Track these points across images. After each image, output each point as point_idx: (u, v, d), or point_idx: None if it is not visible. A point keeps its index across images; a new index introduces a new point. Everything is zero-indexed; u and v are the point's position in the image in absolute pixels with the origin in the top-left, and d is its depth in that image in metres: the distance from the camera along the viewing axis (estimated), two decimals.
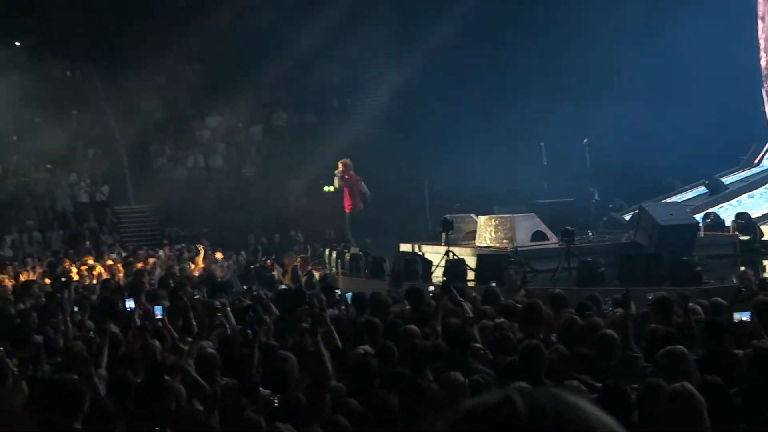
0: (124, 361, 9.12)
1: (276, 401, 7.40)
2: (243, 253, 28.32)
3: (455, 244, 20.50)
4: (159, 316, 11.31)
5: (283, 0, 32.85)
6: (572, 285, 16.84)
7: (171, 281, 18.98)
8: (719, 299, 11.40)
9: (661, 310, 10.50)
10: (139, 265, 24.76)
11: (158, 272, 23.34)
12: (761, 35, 29.58)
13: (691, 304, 10.94)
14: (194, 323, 11.74)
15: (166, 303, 13.28)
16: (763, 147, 29.04)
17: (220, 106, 36.38)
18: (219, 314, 11.92)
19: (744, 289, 11.81)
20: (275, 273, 23.08)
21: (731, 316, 9.47)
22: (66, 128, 34.78)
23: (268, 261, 25.11)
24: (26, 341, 10.94)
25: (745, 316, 9.26)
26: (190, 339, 10.57)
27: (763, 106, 29.47)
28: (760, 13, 29.56)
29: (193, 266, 24.57)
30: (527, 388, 1.93)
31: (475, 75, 30.89)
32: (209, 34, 34.16)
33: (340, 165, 22.78)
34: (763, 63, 29.48)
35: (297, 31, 33.15)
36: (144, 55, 33.45)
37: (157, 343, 9.71)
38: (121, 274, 22.93)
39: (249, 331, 10.21)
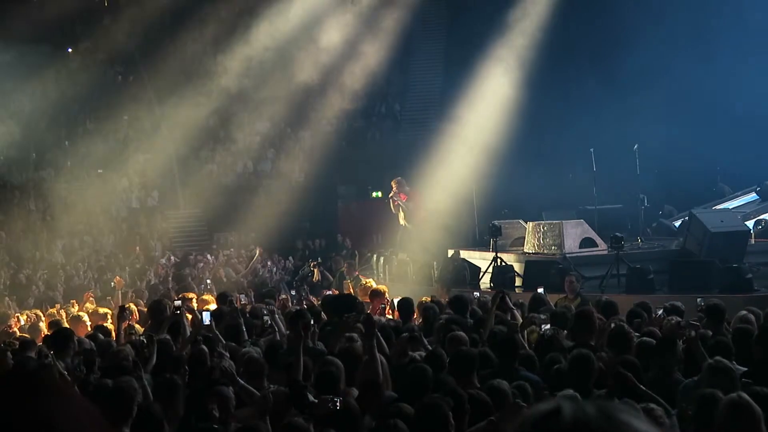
0: (173, 366, 9.18)
1: (338, 404, 7.38)
2: (291, 258, 28.42)
3: (503, 251, 20.45)
4: (207, 322, 11.38)
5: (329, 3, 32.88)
6: (621, 292, 16.75)
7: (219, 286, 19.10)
8: None
9: (711, 317, 10.43)
10: (188, 270, 24.95)
11: (207, 277, 23.49)
12: None
13: (743, 312, 10.82)
14: (243, 329, 11.81)
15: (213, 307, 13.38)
16: None
17: (269, 112, 36.49)
18: (267, 319, 11.99)
19: None
20: (316, 276, 23.14)
21: None
22: (117, 133, 35.09)
23: (312, 263, 25.15)
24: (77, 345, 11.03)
25: None
26: (234, 344, 10.64)
27: None
28: None
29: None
30: (578, 400, 1.94)
31: (523, 80, 30.74)
32: (259, 40, 34.27)
33: (393, 185, 23.70)
34: None
35: (349, 37, 33.19)
36: (194, 60, 33.66)
37: (205, 348, 9.76)
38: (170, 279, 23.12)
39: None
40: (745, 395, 6.17)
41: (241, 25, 33.79)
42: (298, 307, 13.03)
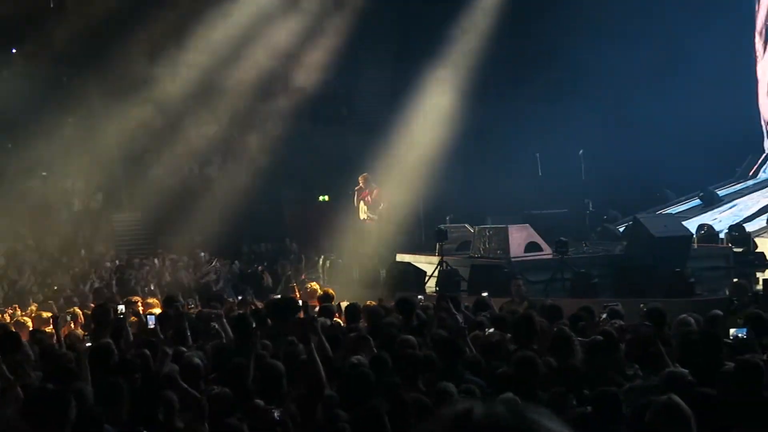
0: (116, 370, 9.10)
1: (277, 415, 7.40)
2: (237, 262, 28.29)
3: (449, 255, 20.50)
4: (152, 326, 11.30)
5: (280, 6, 32.81)
6: (566, 296, 16.86)
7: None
8: (717, 311, 11.40)
9: (654, 321, 10.53)
10: (132, 273, 24.78)
11: (151, 281, 23.34)
12: (758, 47, 29.65)
13: (683, 316, 10.95)
14: (188, 333, 11.73)
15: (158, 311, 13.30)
16: (758, 159, 29.07)
17: (216, 115, 36.33)
18: (214, 323, 11.93)
19: (736, 301, 11.81)
20: (265, 280, 23.06)
21: (726, 329, 9.49)
22: (61, 136, 34.74)
23: (260, 267, 25.06)
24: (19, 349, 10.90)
25: (742, 333, 9.27)
26: (184, 348, 10.57)
27: (759, 118, 29.52)
28: (758, 27, 29.63)
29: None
30: (490, 401, 1.96)
31: (470, 85, 30.88)
32: (205, 42, 34.13)
33: (360, 180, 23.74)
34: (759, 74, 29.53)
35: (294, 35, 33.15)
36: (140, 63, 33.43)
37: (148, 352, 9.69)
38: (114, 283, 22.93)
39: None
40: (675, 397, 6.26)
41: (188, 29, 33.62)
42: (242, 312, 12.96)
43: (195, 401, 7.94)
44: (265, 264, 25.53)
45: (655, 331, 9.54)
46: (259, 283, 23.12)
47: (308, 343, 8.92)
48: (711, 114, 27.08)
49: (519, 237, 20.18)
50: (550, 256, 19.41)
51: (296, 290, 18.88)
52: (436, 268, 19.83)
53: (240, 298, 18.28)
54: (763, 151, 29.15)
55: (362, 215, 23.26)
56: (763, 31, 29.45)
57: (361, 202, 23.27)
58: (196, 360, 9.24)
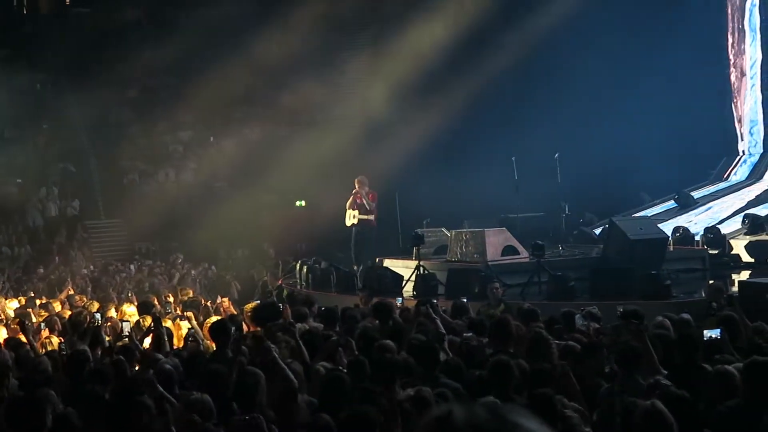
0: (92, 377, 9.06)
1: (250, 422, 7.39)
2: (213, 267, 28.24)
3: (426, 259, 20.50)
4: (127, 332, 11.27)
5: (256, 14, 32.83)
6: (543, 299, 16.88)
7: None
8: (686, 315, 11.44)
9: (627, 324, 10.55)
10: (110, 279, 24.70)
11: (128, 287, 23.25)
12: (731, 51, 29.81)
13: (660, 318, 10.99)
14: (165, 339, 11.70)
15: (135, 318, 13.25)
16: (732, 161, 29.22)
17: (191, 121, 36.32)
18: (191, 328, 11.92)
19: (715, 304, 11.85)
20: (233, 287, 22.71)
21: (701, 332, 9.52)
22: (37, 142, 34.64)
23: (227, 276, 24.86)
24: None
25: (715, 334, 9.31)
26: (160, 355, 10.53)
27: (733, 120, 29.68)
28: (730, 28, 29.78)
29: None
30: (470, 404, 1.96)
31: (446, 89, 30.95)
32: (181, 48, 34.09)
33: (356, 183, 22.96)
34: (732, 78, 29.70)
35: (269, 45, 33.17)
36: (115, 69, 33.37)
37: (123, 359, 9.66)
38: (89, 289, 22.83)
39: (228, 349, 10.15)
40: (659, 403, 6.28)
41: (162, 33, 33.60)
42: (219, 318, 12.92)
43: (170, 406, 7.91)
44: (234, 273, 25.31)
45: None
46: (226, 290, 22.78)
47: (269, 352, 8.90)
48: (686, 117, 27.24)
49: (496, 241, 20.20)
50: (526, 260, 19.44)
51: (272, 294, 18.86)
52: (413, 272, 19.82)
53: (216, 304, 18.22)
54: (737, 154, 29.30)
55: (350, 221, 22.77)
56: (735, 33, 29.58)
57: (357, 208, 22.66)
58: (168, 366, 9.22)
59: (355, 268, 21.63)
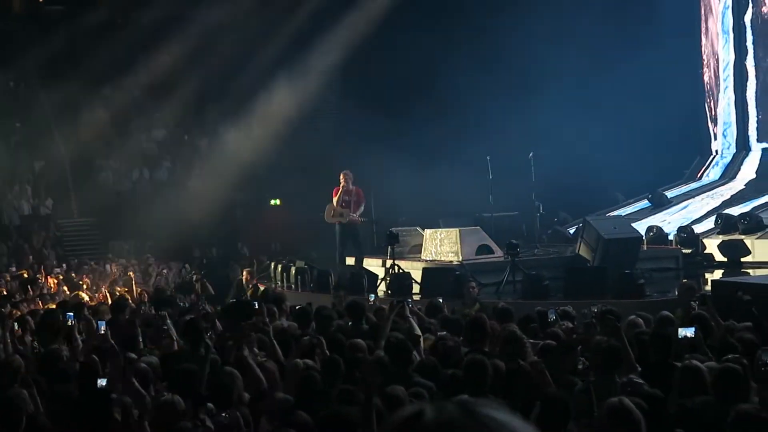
0: (64, 377, 9.02)
1: (226, 420, 7.38)
2: (187, 266, 28.17)
3: (401, 258, 20.50)
4: (102, 331, 11.22)
5: (229, 12, 32.77)
6: (517, 298, 16.93)
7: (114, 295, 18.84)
8: (667, 313, 11.50)
9: (606, 321, 10.59)
10: (84, 279, 24.61)
11: (102, 286, 23.17)
12: (704, 50, 29.94)
13: (632, 317, 11.05)
14: (140, 338, 11.67)
15: (108, 317, 13.20)
16: (706, 161, 29.36)
17: (166, 119, 36.21)
18: (165, 328, 11.87)
19: (695, 304, 11.89)
20: (198, 289, 22.22)
21: (675, 330, 9.56)
22: (9, 141, 34.44)
23: (195, 276, 24.58)
24: None
25: (690, 333, 9.36)
26: (134, 354, 10.49)
27: (707, 121, 29.82)
28: (703, 29, 29.92)
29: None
30: (441, 401, 1.96)
31: (422, 89, 30.99)
32: (155, 47, 33.99)
33: (342, 178, 22.26)
34: (705, 78, 29.84)
35: (247, 45, 33.12)
36: (89, 68, 33.22)
37: (96, 358, 9.62)
38: (65, 289, 22.73)
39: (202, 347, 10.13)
40: (626, 400, 6.32)
41: (136, 32, 33.50)
42: (191, 316, 12.88)
43: (146, 407, 7.90)
44: (203, 273, 24.94)
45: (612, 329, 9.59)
46: (190, 290, 22.24)
47: (240, 348, 8.90)
48: (659, 117, 27.35)
49: (471, 240, 20.25)
50: (501, 259, 19.50)
51: (247, 294, 18.83)
52: (388, 271, 19.84)
53: (189, 303, 18.20)
54: (711, 154, 29.45)
55: (333, 217, 22.10)
56: (709, 32, 29.72)
57: (337, 205, 21.98)
58: (143, 365, 9.20)
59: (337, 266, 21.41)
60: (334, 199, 22.03)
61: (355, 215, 22.11)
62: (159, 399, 7.97)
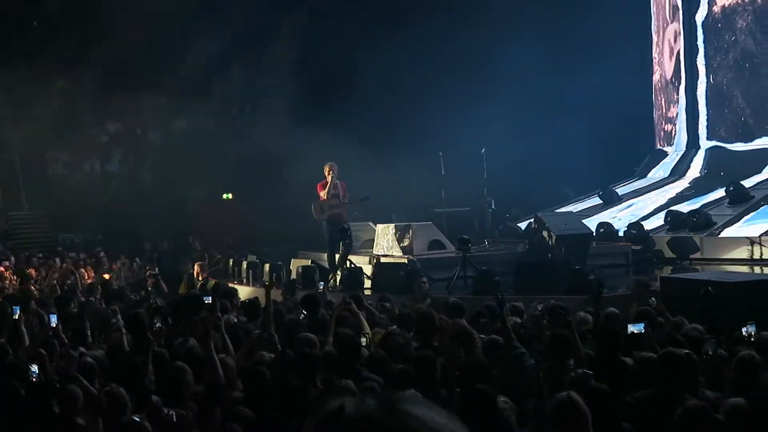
0: (12, 372, 8.94)
1: (174, 417, 7.37)
2: (138, 260, 27.99)
3: (353, 253, 20.49)
4: (54, 324, 11.15)
5: (185, 6, 32.58)
6: (468, 293, 16.97)
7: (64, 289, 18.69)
8: (614, 309, 11.59)
9: (554, 317, 10.69)
10: (32, 272, 24.37)
11: (52, 279, 22.96)
12: (656, 49, 30.17)
13: (581, 313, 11.11)
14: (88, 332, 11.60)
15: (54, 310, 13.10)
16: (656, 159, 29.59)
17: (119, 112, 35.95)
18: (114, 321, 11.80)
19: (653, 299, 11.97)
20: (149, 285, 21.72)
21: (623, 326, 9.64)
22: None
23: (149, 272, 24.02)
24: None
25: (638, 329, 9.43)
26: (82, 348, 10.43)
27: (658, 118, 30.06)
28: (654, 28, 30.15)
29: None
30: (360, 396, 1.97)
31: (374, 84, 31.00)
32: (109, 38, 33.74)
33: (326, 171, 20.57)
34: (657, 77, 30.07)
35: (199, 37, 32.95)
36: (41, 60, 32.92)
37: (43, 351, 9.54)
38: (14, 282, 22.51)
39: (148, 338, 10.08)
40: (574, 394, 6.37)
41: (89, 24, 33.23)
42: (138, 310, 12.79)
43: (92, 399, 7.85)
44: (156, 270, 24.15)
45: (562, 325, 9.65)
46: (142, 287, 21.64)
47: (206, 342, 8.86)
48: (611, 115, 27.55)
49: (422, 235, 20.28)
50: (453, 254, 19.54)
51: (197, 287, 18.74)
52: (339, 266, 19.83)
53: (140, 297, 18.08)
54: (661, 152, 29.69)
55: (321, 214, 20.49)
56: (660, 32, 29.96)
57: (327, 199, 20.39)
58: (89, 359, 9.14)
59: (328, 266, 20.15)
60: (322, 193, 20.38)
61: (339, 210, 20.42)
62: (102, 392, 7.92)
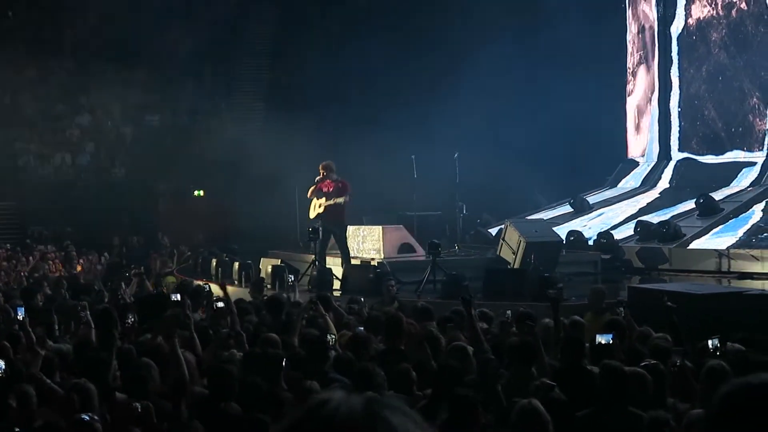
0: None
1: (139, 408, 7.36)
2: (106, 254, 27.87)
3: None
4: (21, 317, 11.08)
5: (159, 1, 32.47)
6: (437, 297, 16.99)
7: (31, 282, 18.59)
8: (578, 317, 11.63)
9: (522, 324, 10.71)
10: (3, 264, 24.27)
11: (20, 272, 22.88)
12: (630, 60, 30.28)
13: (546, 320, 11.12)
14: (55, 326, 11.56)
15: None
16: (627, 169, 29.68)
17: (91, 105, 35.79)
18: (83, 315, 11.75)
19: (621, 309, 12.01)
20: (133, 287, 21.34)
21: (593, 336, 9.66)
22: None
23: (134, 271, 23.55)
24: None
25: (606, 339, 9.46)
26: (51, 342, 10.39)
27: (630, 128, 30.16)
28: (629, 39, 30.27)
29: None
30: (357, 396, 1.97)
31: (349, 86, 31.01)
32: (82, 30, 33.60)
33: (321, 169, 20.21)
34: (629, 87, 30.18)
35: (173, 32, 32.83)
36: (14, 49, 32.74)
37: (8, 344, 9.50)
38: None
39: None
40: (536, 402, 6.42)
41: (63, 15, 33.07)
42: (106, 306, 12.72)
43: (52, 394, 7.82)
44: (133, 268, 23.49)
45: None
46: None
47: (172, 339, 8.84)
48: (584, 123, 27.63)
49: (393, 238, 20.31)
50: (422, 258, 19.56)
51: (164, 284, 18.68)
52: (309, 266, 19.81)
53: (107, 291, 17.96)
54: (632, 162, 29.78)
55: (314, 212, 20.22)
56: (635, 40, 30.07)
57: (315, 199, 20.08)
58: (49, 353, 9.11)
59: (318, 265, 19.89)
60: (309, 192, 20.27)
61: (332, 206, 19.89)
62: (70, 385, 7.90)
